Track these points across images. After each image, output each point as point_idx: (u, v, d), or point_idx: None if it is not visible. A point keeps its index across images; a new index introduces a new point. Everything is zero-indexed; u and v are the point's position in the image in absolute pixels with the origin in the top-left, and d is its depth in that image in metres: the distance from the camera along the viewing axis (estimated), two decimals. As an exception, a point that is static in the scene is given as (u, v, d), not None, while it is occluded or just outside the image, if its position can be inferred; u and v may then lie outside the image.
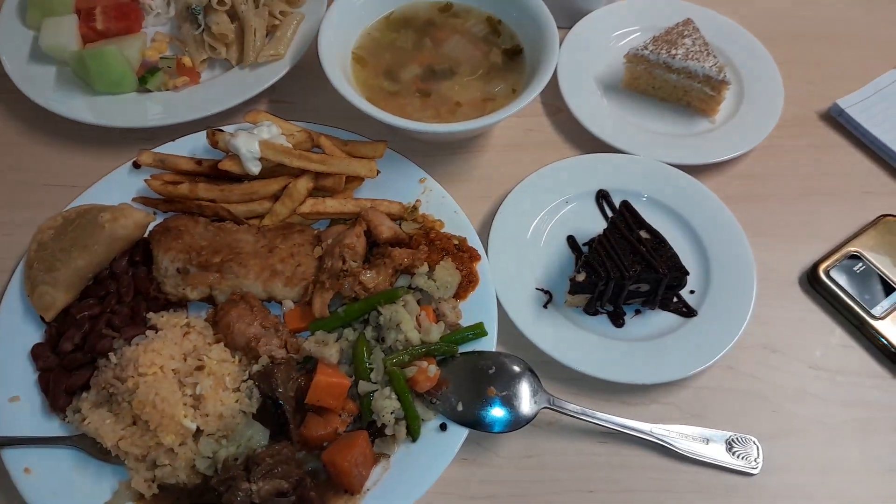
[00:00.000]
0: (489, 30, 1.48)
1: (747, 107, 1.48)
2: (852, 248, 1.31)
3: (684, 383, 1.20)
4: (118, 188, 1.34)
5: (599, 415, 1.12)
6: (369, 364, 1.12)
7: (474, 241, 1.27)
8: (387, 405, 1.08)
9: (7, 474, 1.08)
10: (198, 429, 1.08)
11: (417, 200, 1.32)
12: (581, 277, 1.17)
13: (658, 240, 1.20)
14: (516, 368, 1.15)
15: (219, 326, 1.17)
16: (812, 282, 1.30)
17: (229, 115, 1.43)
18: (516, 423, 1.11)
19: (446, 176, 1.39)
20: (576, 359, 1.17)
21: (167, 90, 1.46)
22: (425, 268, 1.21)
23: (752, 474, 1.13)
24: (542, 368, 1.17)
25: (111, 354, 1.12)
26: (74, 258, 1.20)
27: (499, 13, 1.48)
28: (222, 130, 1.32)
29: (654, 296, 1.20)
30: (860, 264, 1.30)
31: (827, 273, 1.29)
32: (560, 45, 1.43)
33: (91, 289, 1.23)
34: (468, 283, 1.23)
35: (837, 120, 1.50)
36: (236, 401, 1.09)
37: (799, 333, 1.27)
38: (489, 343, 1.18)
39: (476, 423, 1.10)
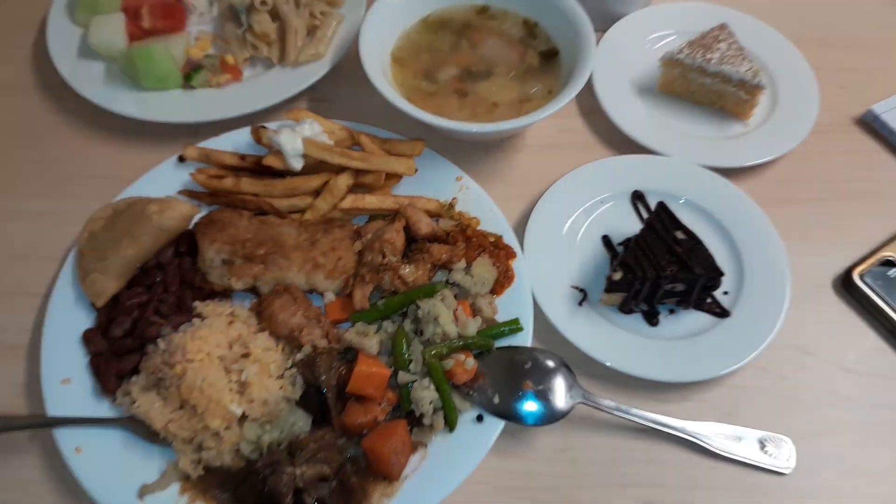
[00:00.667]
0: (525, 32, 1.51)
1: (781, 111, 1.50)
2: (887, 254, 1.33)
3: (717, 382, 1.22)
4: (164, 181, 1.37)
5: (634, 411, 1.14)
6: (408, 356, 1.15)
7: (510, 239, 1.29)
8: (425, 395, 1.11)
9: (59, 454, 1.10)
10: (243, 414, 1.11)
11: (454, 198, 1.35)
12: (618, 276, 1.19)
13: (694, 241, 1.22)
14: (551, 364, 1.17)
15: (263, 316, 1.21)
16: (846, 286, 1.31)
17: (271, 112, 1.48)
18: (551, 417, 1.13)
19: (482, 174, 1.42)
20: (610, 356, 1.19)
21: (211, 87, 1.50)
22: (463, 264, 1.23)
23: (783, 474, 1.15)
24: (577, 365, 1.19)
25: (159, 341, 1.16)
26: (124, 247, 1.24)
27: (535, 16, 1.50)
28: (266, 127, 1.36)
29: (689, 296, 1.22)
30: (895, 270, 1.31)
31: (861, 277, 1.30)
32: (597, 45, 1.46)
33: (138, 278, 1.26)
34: (504, 279, 1.25)
35: (872, 125, 1.51)
36: (280, 388, 1.13)
37: (832, 336, 1.28)
38: (525, 338, 1.20)
39: (512, 416, 1.13)
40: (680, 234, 1.23)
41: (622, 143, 1.47)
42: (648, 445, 1.16)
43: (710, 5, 1.63)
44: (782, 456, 1.16)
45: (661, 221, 1.25)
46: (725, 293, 1.28)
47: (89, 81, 1.51)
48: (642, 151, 1.44)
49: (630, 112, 1.49)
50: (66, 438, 1.12)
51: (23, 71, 1.61)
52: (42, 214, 1.41)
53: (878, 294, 1.28)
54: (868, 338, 1.28)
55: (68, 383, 1.18)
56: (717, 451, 1.15)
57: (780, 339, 1.25)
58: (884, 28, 1.69)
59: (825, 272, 1.34)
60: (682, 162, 1.41)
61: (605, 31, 1.59)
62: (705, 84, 1.48)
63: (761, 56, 1.56)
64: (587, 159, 1.42)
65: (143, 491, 1.09)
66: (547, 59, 1.47)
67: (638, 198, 1.37)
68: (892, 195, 1.43)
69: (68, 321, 1.24)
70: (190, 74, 1.50)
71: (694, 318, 1.26)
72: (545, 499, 1.13)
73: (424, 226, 1.26)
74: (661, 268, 1.18)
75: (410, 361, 1.15)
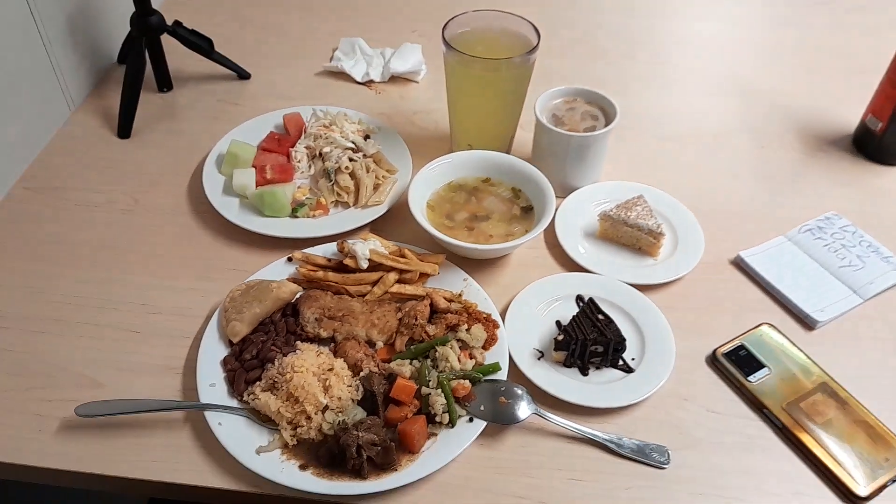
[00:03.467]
0: (513, 195, 2.21)
1: (679, 252, 2.13)
2: (739, 341, 2.00)
3: (624, 411, 1.68)
4: (278, 272, 1.98)
5: (569, 423, 1.77)
6: (428, 378, 1.80)
7: (496, 317, 1.88)
8: (438, 402, 1.59)
9: (206, 427, 1.58)
10: (325, 406, 1.74)
11: (461, 291, 2.00)
12: (560, 338, 1.88)
13: (609, 320, 1.92)
14: (518, 391, 1.76)
15: (338, 353, 1.90)
16: (713, 360, 1.93)
17: (348, 234, 2.06)
18: (515, 420, 1.72)
19: (480, 278, 1.92)
20: (556, 390, 1.78)
21: (309, 218, 2.08)
22: (465, 327, 1.86)
23: (663, 468, 1.72)
24: (535, 396, 1.73)
25: (275, 361, 1.83)
26: (254, 307, 1.94)
27: (520, 185, 2.09)
28: (346, 241, 2.13)
29: (607, 355, 1.91)
30: (744, 351, 1.99)
31: (722, 354, 1.96)
32: (558, 207, 2.11)
33: (260, 327, 1.89)
34: (491, 340, 1.80)
35: (740, 265, 2.15)
36: (349, 391, 1.74)
37: (703, 390, 1.73)
38: (502, 376, 1.71)
39: (491, 418, 1.75)
40: (601, 316, 1.95)
41: (572, 266, 1.99)
42: (577, 445, 1.61)
43: (633, 183, 2.28)
44: (662, 458, 1.77)
45: (589, 308, 1.97)
46: (633, 359, 1.95)
47: (229, 209, 2.07)
48: (584, 271, 2.10)
49: (578, 247, 2.12)
50: (212, 417, 1.60)
51: (182, 201, 2.24)
52: (193, 290, 1.91)
53: (732, 365, 1.93)
54: (725, 392, 1.74)
55: (214, 386, 1.71)
56: (620, 452, 1.76)
57: (667, 390, 1.70)
58: (749, 202, 2.33)
59: (701, 351, 1.82)
60: (610, 279, 2.12)
61: (565, 197, 2.15)
62: (627, 232, 2.14)
63: (666, 214, 2.18)
64: (548, 274, 1.96)
65: (259, 450, 1.55)
66: (526, 212, 2.17)
67: (580, 298, 2.10)
68: (748, 307, 1.90)
69: (213, 350, 1.75)
70: (296, 209, 2.06)
71: (612, 373, 1.86)
72: (509, 475, 1.56)
73: (442, 303, 1.98)
74: (586, 333, 1.88)
75: (429, 381, 1.74)
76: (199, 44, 2.42)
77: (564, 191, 2.22)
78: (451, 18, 2.29)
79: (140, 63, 2.26)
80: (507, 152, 2.21)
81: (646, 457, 1.67)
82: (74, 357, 1.83)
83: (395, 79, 2.63)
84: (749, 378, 1.84)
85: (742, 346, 1.88)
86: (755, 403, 1.79)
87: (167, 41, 2.39)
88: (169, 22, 2.34)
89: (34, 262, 2.12)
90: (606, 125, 2.25)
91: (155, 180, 2.24)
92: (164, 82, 2.49)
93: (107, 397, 1.67)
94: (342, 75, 2.63)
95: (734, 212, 2.25)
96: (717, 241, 2.13)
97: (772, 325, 2.03)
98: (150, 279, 1.98)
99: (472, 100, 2.17)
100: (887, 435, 1.80)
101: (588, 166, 2.31)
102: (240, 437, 1.63)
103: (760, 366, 1.91)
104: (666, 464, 1.67)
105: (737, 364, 1.86)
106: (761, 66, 2.82)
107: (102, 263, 2.02)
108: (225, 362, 1.86)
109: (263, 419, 1.75)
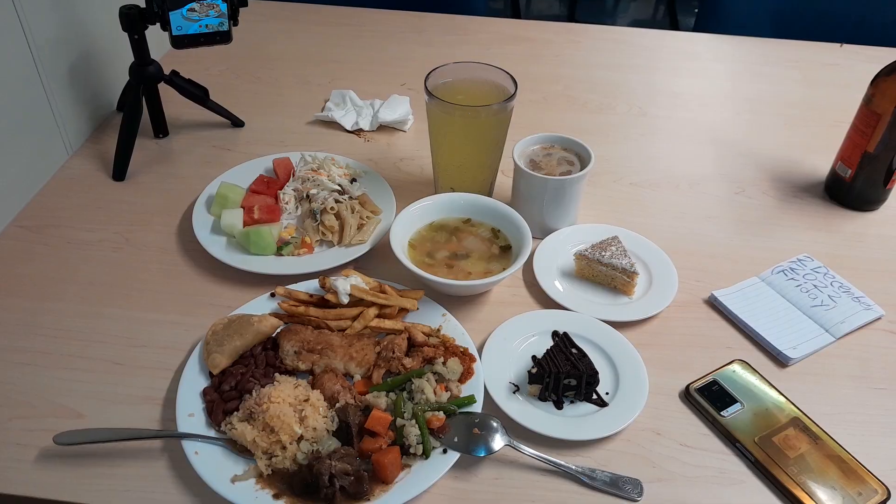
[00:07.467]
0: (492, 234, 2.36)
1: (653, 290, 2.21)
2: (712, 377, 2.04)
3: (597, 444, 1.78)
4: (261, 307, 2.09)
5: (541, 453, 1.81)
6: (404, 410, 1.85)
7: (473, 351, 1.97)
8: (412, 433, 1.72)
9: (182, 456, 1.66)
10: (300, 436, 1.79)
11: (440, 325, 2.08)
12: (534, 370, 1.92)
13: (582, 353, 1.96)
14: (493, 423, 1.81)
15: (315, 385, 1.94)
16: (686, 395, 2.01)
17: (331, 271, 2.20)
18: (489, 451, 1.77)
19: (459, 314, 2.08)
20: (531, 422, 1.83)
21: (294, 256, 2.16)
22: (442, 360, 1.95)
23: (636, 500, 1.77)
24: (510, 428, 1.83)
25: (253, 392, 1.88)
26: (234, 340, 1.99)
27: (499, 225, 2.21)
28: (328, 277, 2.19)
29: (580, 389, 1.94)
30: (717, 387, 2.02)
31: (695, 390, 2.01)
32: (536, 247, 2.23)
33: (240, 360, 1.95)
34: (467, 373, 1.92)
35: (714, 304, 2.25)
36: (324, 421, 1.78)
37: (676, 424, 1.77)
38: (477, 408, 1.86)
39: (465, 450, 1.80)
40: (574, 350, 1.98)
41: (549, 304, 2.06)
42: (550, 478, 1.64)
43: (608, 226, 2.41)
44: (635, 490, 1.79)
45: (563, 343, 2.01)
46: (607, 393, 1.99)
47: (216, 247, 2.25)
48: (561, 309, 2.19)
49: (555, 286, 2.22)
50: (189, 446, 1.64)
51: (171, 240, 2.36)
52: (178, 324, 2.05)
53: (705, 400, 1.97)
54: (698, 426, 1.78)
55: (192, 416, 1.84)
56: (594, 484, 1.78)
57: (640, 424, 1.75)
58: (723, 245, 2.42)
59: (674, 387, 1.86)
60: (586, 316, 2.17)
61: (543, 238, 2.24)
62: (602, 271, 2.26)
63: (641, 255, 2.28)
64: (526, 311, 2.03)
65: (234, 479, 1.65)
66: (504, 251, 2.27)
67: (556, 334, 2.14)
68: (720, 345, 2.04)
69: (194, 381, 1.89)
70: (281, 247, 2.17)
71: (586, 407, 1.91)
72: (482, 506, 1.72)
73: (420, 337, 2.02)
74: (559, 367, 1.92)
75: (404, 413, 1.84)
76: (195, 92, 2.54)
77: (543, 232, 2.29)
78: (434, 69, 2.41)
79: (137, 110, 2.36)
80: (489, 196, 2.28)
81: (619, 489, 1.68)
82: (57, 388, 1.89)
83: (383, 128, 2.74)
84: (722, 413, 1.86)
85: (715, 382, 1.91)
86: (728, 438, 1.80)
87: (164, 90, 2.50)
88: (166, 72, 2.45)
89: (24, 297, 2.19)
90: (582, 170, 2.34)
91: (146, 220, 2.31)
92: (161, 129, 2.60)
93: (87, 427, 1.68)
94: (333, 124, 2.74)
95: (708, 254, 2.32)
96: (691, 282, 2.18)
97: (744, 362, 2.07)
98: (137, 314, 2.04)
99: (454, 145, 2.26)
100: (860, 469, 1.82)
101: (564, 209, 2.39)
102: (216, 466, 1.64)
103: (733, 401, 1.94)
104: (639, 496, 1.67)
105: (710, 399, 1.88)
106: (736, 119, 2.95)
107: (90, 299, 2.10)
108: (204, 393, 1.90)
109: (240, 449, 1.78)
